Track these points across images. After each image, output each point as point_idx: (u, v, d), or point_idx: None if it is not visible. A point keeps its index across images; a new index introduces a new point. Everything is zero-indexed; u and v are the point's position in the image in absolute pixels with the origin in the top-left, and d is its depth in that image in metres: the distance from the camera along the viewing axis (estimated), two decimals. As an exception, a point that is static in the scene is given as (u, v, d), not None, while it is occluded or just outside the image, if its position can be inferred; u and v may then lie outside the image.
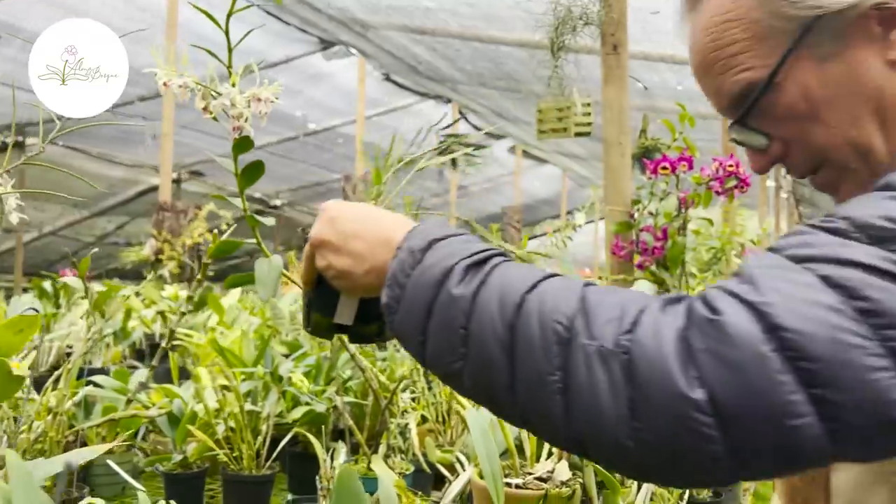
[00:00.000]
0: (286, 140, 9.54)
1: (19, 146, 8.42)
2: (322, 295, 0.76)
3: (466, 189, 12.67)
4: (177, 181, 9.75)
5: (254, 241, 1.33)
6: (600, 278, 2.58)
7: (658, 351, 0.50)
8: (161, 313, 3.76)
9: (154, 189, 9.46)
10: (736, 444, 0.49)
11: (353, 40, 7.41)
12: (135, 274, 6.74)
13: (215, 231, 1.37)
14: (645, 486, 1.31)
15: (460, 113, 9.98)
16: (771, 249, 0.54)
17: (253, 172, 1.26)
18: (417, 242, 0.63)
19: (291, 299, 3.89)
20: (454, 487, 1.29)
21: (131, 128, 7.63)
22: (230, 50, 1.16)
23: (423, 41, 7.04)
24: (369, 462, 1.30)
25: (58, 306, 3.44)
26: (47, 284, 3.39)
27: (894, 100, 0.65)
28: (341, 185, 8.60)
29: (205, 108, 1.18)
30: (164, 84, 1.16)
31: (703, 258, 3.62)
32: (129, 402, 1.48)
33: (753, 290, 0.50)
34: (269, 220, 1.30)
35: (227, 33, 1.16)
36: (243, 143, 1.20)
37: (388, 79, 8.74)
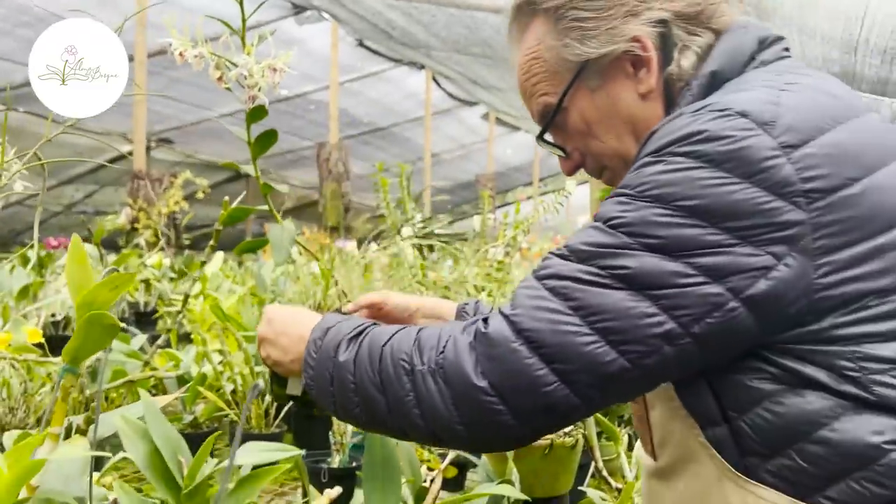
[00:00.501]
0: (258, 107, 9.43)
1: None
2: (277, 373, 0.95)
3: (439, 156, 12.67)
4: (146, 149, 9.60)
5: (264, 207, 1.37)
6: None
7: (457, 360, 0.74)
8: (146, 281, 3.77)
9: (123, 157, 9.32)
10: (516, 412, 0.72)
11: (325, 5, 7.32)
12: (107, 243, 6.68)
13: (226, 199, 1.41)
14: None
15: (434, 79, 9.95)
16: (533, 272, 0.78)
17: (266, 140, 1.30)
18: (317, 333, 0.85)
19: (271, 267, 3.92)
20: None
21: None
22: (244, 21, 1.19)
23: (398, 6, 6.99)
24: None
25: (42, 275, 3.43)
26: (31, 253, 3.37)
27: (645, 122, 0.85)
28: (315, 153, 8.57)
29: (219, 78, 1.21)
30: (180, 54, 1.19)
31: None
32: (146, 364, 1.53)
33: (510, 306, 0.75)
34: (283, 188, 1.34)
35: (241, 3, 1.19)
36: (257, 112, 1.24)
37: (361, 44, 8.66)
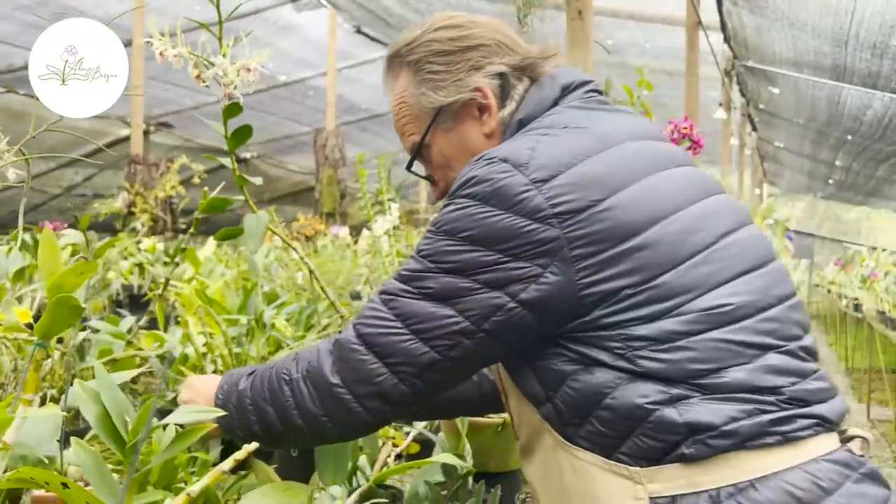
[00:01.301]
0: (256, 92, 9.40)
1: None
2: None
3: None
4: (145, 133, 9.65)
5: (241, 198, 1.45)
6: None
7: (319, 364, 0.93)
8: (139, 265, 3.85)
9: (122, 140, 9.37)
10: (362, 401, 0.91)
11: (323, -8, 7.36)
12: (105, 226, 6.75)
13: (206, 189, 1.49)
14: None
15: (431, 67, 9.99)
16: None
17: (242, 134, 1.37)
18: (224, 380, 1.02)
19: (264, 253, 4.00)
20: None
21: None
22: (221, 23, 1.27)
23: (395, -6, 7.03)
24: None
25: (37, 258, 3.52)
26: (27, 236, 3.45)
27: None
28: (312, 139, 8.64)
29: (198, 77, 1.29)
30: (161, 54, 1.26)
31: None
32: (128, 343, 1.61)
33: (359, 317, 0.94)
34: (257, 180, 1.42)
35: (218, 8, 1.27)
36: (233, 108, 1.32)
37: (359, 31, 8.69)
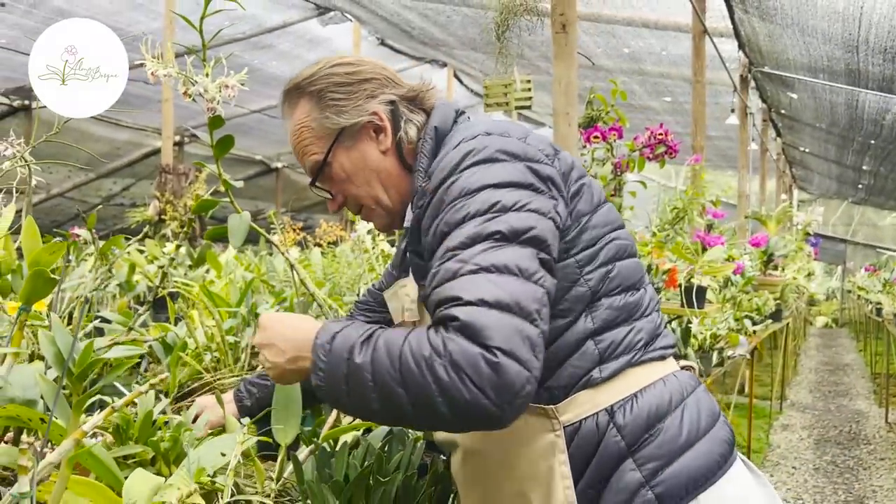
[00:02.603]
0: (285, 104, 9.76)
1: (25, 109, 8.70)
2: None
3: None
4: (178, 144, 10.01)
5: (227, 199, 1.64)
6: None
7: (459, 345, 0.87)
8: (162, 268, 4.09)
9: (157, 152, 9.73)
10: (524, 363, 0.89)
11: (347, 6, 7.60)
12: (138, 233, 7.05)
13: (197, 193, 1.67)
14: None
15: (456, 77, 10.18)
16: None
17: (225, 144, 1.56)
18: (324, 338, 0.97)
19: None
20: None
21: (135, 91, 7.88)
22: (205, 47, 1.45)
23: (414, 7, 7.23)
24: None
25: (68, 261, 3.77)
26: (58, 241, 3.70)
27: (386, 172, 1.20)
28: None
29: (185, 93, 1.48)
30: (152, 74, 1.46)
31: (667, 217, 3.90)
32: (129, 329, 1.81)
33: (461, 292, 0.93)
34: (239, 184, 1.61)
35: (201, 33, 1.45)
36: (216, 121, 1.50)
37: (383, 43, 8.92)
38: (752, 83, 7.39)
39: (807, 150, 10.89)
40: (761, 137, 8.95)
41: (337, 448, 1.21)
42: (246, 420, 1.25)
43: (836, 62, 6.01)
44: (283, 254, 1.74)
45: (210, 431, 1.34)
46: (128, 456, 1.13)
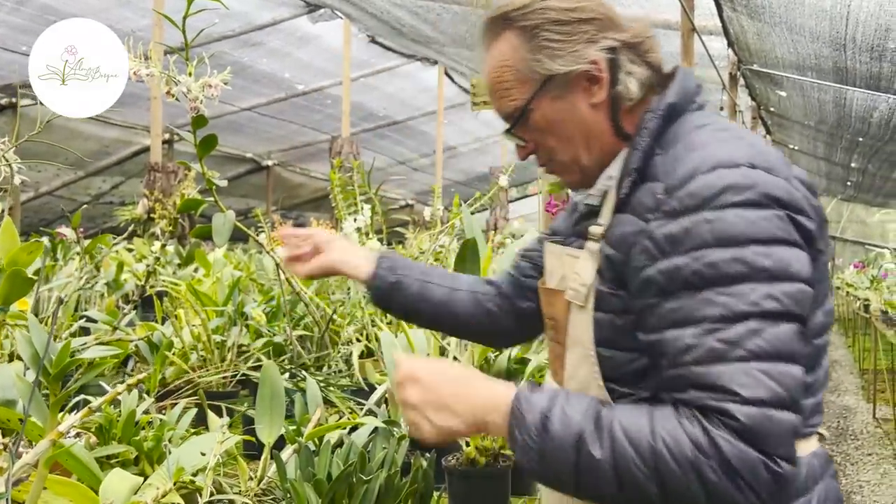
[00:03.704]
0: (276, 101, 9.74)
1: (11, 107, 8.64)
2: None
3: (455, 149, 12.91)
4: (168, 142, 9.96)
5: (212, 199, 1.64)
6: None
7: (735, 447, 0.82)
8: (149, 267, 4.08)
9: (146, 150, 9.68)
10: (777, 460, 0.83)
11: (337, 3, 7.58)
12: (125, 231, 7.02)
13: (182, 192, 1.67)
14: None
15: (446, 74, 10.18)
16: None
17: (209, 143, 1.56)
18: (533, 416, 0.88)
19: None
20: (376, 394, 1.62)
21: (125, 88, 7.81)
22: (187, 47, 1.45)
23: (404, 5, 7.22)
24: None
25: (55, 260, 3.76)
26: (45, 240, 3.69)
27: (593, 129, 1.04)
28: (329, 146, 8.85)
29: (168, 92, 1.48)
30: (135, 73, 1.45)
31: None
32: (114, 329, 1.81)
33: (732, 386, 0.84)
34: (223, 182, 1.61)
35: (184, 32, 1.45)
36: (199, 121, 1.50)
37: (373, 41, 8.91)
38: (741, 81, 7.41)
39: (796, 148, 10.94)
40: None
41: (321, 446, 1.21)
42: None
43: (824, 60, 6.04)
44: (268, 252, 1.74)
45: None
46: (111, 456, 1.13)
